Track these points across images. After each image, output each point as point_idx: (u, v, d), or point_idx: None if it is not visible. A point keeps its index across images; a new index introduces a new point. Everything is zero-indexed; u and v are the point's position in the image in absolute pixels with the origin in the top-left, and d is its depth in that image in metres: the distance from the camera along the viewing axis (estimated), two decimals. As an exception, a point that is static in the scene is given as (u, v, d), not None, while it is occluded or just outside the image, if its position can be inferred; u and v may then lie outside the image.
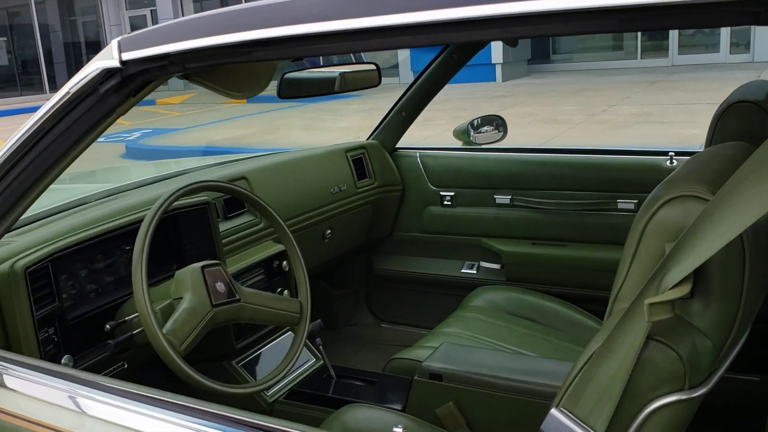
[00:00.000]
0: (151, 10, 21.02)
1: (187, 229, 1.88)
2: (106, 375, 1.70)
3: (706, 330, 0.91)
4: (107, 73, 1.10)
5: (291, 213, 2.33)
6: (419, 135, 6.82)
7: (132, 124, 12.70)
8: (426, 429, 1.63)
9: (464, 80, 13.57)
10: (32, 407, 1.12)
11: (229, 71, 1.16)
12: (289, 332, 2.08)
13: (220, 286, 1.59)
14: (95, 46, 22.24)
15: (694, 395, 0.88)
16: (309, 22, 0.91)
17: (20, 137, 1.17)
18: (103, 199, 1.96)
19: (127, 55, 1.08)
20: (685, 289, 0.84)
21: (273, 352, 2.13)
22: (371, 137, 2.78)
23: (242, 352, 2.06)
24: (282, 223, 1.85)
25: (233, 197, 2.00)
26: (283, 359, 1.77)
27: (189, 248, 1.86)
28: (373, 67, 2.11)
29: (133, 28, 21.98)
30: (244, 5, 1.02)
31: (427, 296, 2.74)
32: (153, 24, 16.83)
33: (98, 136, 1.17)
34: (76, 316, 1.59)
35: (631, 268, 0.98)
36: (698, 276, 0.89)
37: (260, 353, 2.11)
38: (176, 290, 1.57)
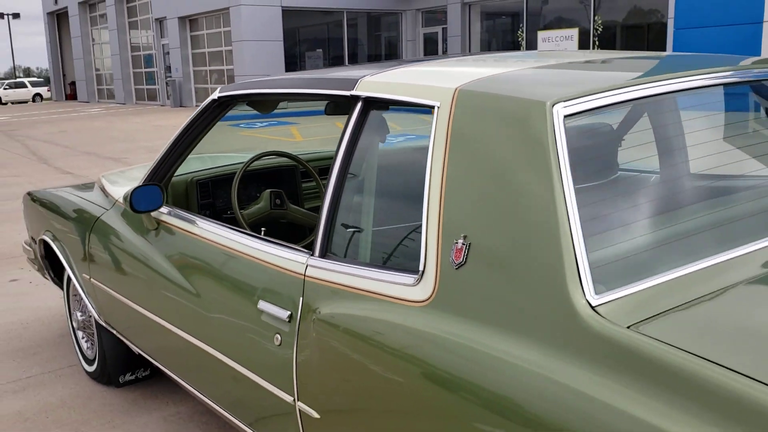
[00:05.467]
0: (442, 28, 23.24)
1: (282, 180, 2.96)
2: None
3: None
4: (212, 102, 2.38)
5: None
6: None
7: (402, 129, 14.62)
8: None
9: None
10: (190, 227, 2.35)
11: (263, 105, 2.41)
12: None
13: (276, 202, 2.66)
14: (392, 58, 25.15)
15: None
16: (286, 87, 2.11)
17: (183, 126, 2.51)
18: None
19: (221, 95, 2.34)
20: None
21: None
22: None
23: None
24: (320, 181, 2.86)
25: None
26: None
27: (283, 189, 2.84)
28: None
29: (426, 43, 24.40)
30: (270, 78, 2.24)
31: None
32: (443, 38, 18.69)
33: (211, 128, 2.49)
34: (221, 208, 2.83)
35: None
36: None
37: None
38: (261, 200, 2.66)
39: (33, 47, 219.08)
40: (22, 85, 41.73)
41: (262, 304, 1.77)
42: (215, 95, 2.27)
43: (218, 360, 1.98)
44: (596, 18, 18.72)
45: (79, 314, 3.23)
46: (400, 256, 1.55)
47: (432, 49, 23.78)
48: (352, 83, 1.74)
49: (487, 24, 22.21)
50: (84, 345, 3.25)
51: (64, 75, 37.29)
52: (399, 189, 1.64)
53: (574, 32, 18.67)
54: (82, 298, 3.02)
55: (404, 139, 3.47)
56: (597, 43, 18.69)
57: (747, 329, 1.11)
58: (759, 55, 12.57)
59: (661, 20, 16.49)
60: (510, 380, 1.17)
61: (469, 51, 21.98)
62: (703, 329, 1.11)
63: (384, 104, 1.68)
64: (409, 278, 1.43)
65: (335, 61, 24.31)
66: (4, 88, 40.86)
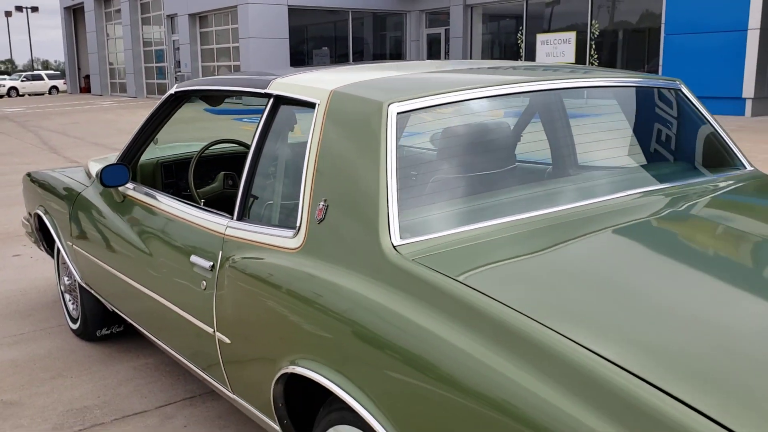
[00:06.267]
0: (445, 29, 23.64)
1: (239, 164, 3.20)
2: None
3: None
4: (174, 94, 2.82)
5: None
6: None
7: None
8: None
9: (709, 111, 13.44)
10: (148, 200, 2.80)
11: (219, 100, 2.86)
12: None
13: (229, 183, 2.98)
14: (396, 57, 25.61)
15: None
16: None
17: (147, 116, 2.93)
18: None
19: (177, 89, 2.82)
20: None
21: None
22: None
23: None
24: None
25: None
26: None
27: (238, 172, 3.49)
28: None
29: (430, 43, 24.83)
30: (229, 76, 2.69)
31: None
32: (445, 39, 19.14)
33: (171, 117, 2.93)
34: (182, 187, 3.23)
35: None
36: None
37: None
38: (216, 181, 2.90)
39: (51, 40, 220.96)
40: (39, 78, 42.44)
41: (194, 258, 2.22)
42: (173, 90, 2.72)
43: (165, 307, 2.44)
44: (594, 22, 19.07)
45: (66, 279, 3.70)
46: (288, 216, 1.99)
47: (435, 50, 24.17)
48: (266, 83, 2.19)
49: (488, 26, 22.59)
50: (70, 306, 3.71)
51: (79, 68, 37.95)
52: (296, 168, 2.08)
53: (572, 36, 19.03)
54: (67, 264, 3.49)
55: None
56: (594, 46, 19.04)
57: (491, 263, 1.56)
58: (743, 60, 12.91)
59: (656, 26, 16.83)
60: (340, 298, 1.61)
61: (470, 52, 22.38)
62: (461, 262, 1.55)
63: (288, 101, 2.13)
64: (289, 232, 1.88)
65: (341, 59, 24.75)
66: (22, 80, 41.58)
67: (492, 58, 22.47)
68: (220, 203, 3.01)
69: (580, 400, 1.14)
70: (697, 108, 2.39)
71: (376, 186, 1.65)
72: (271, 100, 2.16)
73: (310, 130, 1.91)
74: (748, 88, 13.14)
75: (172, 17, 26.46)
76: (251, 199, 2.12)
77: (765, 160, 8.16)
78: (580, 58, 19.02)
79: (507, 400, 1.21)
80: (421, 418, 1.37)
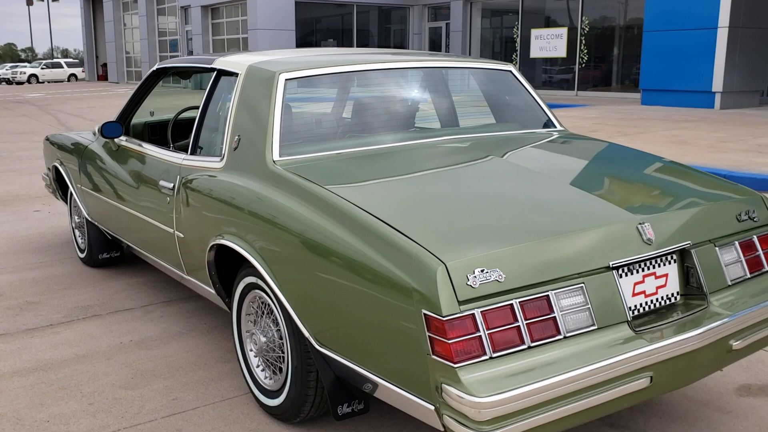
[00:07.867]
0: (446, 23, 24.50)
1: None
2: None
3: None
4: (155, 70, 3.77)
5: None
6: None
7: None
8: None
9: (683, 104, 14.40)
10: (135, 147, 3.78)
11: (187, 75, 3.80)
12: None
13: None
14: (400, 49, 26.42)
15: None
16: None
17: (135, 89, 3.89)
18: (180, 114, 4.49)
19: (158, 66, 3.73)
20: None
21: None
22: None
23: None
24: None
25: None
26: None
27: None
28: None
29: (432, 35, 25.70)
30: (198, 56, 3.64)
31: None
32: (446, 33, 19.94)
33: (153, 88, 3.89)
34: (163, 142, 3.96)
35: None
36: None
37: None
38: (189, 138, 4.08)
39: (71, 29, 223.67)
40: (59, 66, 43.63)
41: (161, 182, 3.18)
42: (155, 67, 3.68)
43: (144, 220, 3.40)
44: (584, 19, 19.88)
45: (76, 218, 4.68)
46: (220, 149, 2.94)
47: (437, 43, 25.03)
48: (212, 61, 3.14)
49: (486, 20, 23.46)
50: (79, 240, 4.69)
51: (97, 57, 39.11)
52: (225, 118, 3.02)
53: (564, 31, 19.85)
54: (77, 205, 4.47)
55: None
56: (584, 41, 19.85)
57: (331, 171, 2.50)
58: (713, 57, 13.70)
59: (639, 23, 17.62)
60: (242, 195, 2.56)
61: (470, 45, 23.23)
62: (314, 170, 2.46)
63: (225, 72, 3.08)
64: (217, 158, 2.84)
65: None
66: (42, 68, 42.80)
67: (491, 50, 23.32)
68: None
69: (346, 228, 2.08)
70: (524, 85, 3.32)
71: (266, 124, 2.60)
72: (215, 73, 3.11)
73: (233, 92, 2.86)
74: (717, 83, 13.93)
75: (185, 8, 27.49)
76: (198, 140, 3.08)
77: (703, 146, 8.98)
78: (570, 53, 19.85)
79: (310, 238, 2.17)
80: (282, 258, 2.31)
